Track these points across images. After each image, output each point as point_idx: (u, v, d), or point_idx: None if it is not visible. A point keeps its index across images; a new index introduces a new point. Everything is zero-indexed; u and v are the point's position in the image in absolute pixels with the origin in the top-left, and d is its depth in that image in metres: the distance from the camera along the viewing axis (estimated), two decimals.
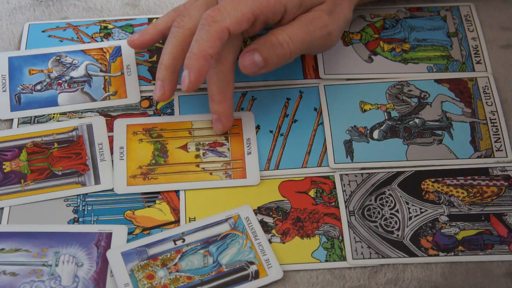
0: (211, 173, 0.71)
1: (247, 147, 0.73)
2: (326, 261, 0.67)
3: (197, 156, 0.72)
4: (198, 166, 0.72)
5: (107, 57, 0.79)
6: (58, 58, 0.79)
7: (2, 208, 0.69)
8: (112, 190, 0.71)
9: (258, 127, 0.74)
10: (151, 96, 0.77)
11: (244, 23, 0.67)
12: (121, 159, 0.72)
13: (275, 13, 0.69)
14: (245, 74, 0.69)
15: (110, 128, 0.74)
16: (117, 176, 0.71)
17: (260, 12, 0.68)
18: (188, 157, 0.72)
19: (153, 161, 0.72)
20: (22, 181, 0.71)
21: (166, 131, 0.74)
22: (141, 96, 0.77)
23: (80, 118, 0.75)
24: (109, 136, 0.74)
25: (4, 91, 0.77)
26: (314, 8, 0.71)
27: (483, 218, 0.69)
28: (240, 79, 0.76)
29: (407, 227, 0.68)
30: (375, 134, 0.74)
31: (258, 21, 0.68)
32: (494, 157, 0.72)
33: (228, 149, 0.73)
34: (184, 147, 0.73)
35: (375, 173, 0.71)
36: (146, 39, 0.75)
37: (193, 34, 0.68)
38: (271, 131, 0.74)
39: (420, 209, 0.69)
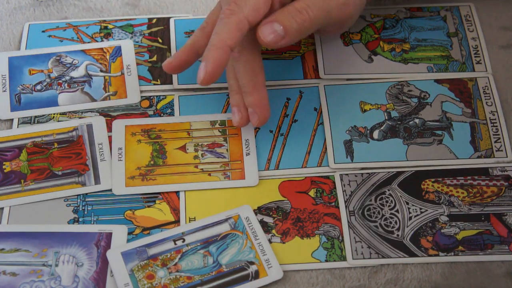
0: (209, 174, 0.71)
1: (246, 148, 0.72)
2: (326, 261, 0.67)
3: (195, 157, 0.72)
4: (196, 167, 0.72)
5: (107, 57, 0.79)
6: (58, 58, 0.79)
7: (2, 208, 0.69)
8: (112, 190, 0.71)
9: (258, 127, 0.74)
10: (151, 96, 0.77)
11: (262, 8, 0.66)
12: (120, 160, 0.72)
13: None
14: (266, 45, 0.67)
15: (110, 128, 0.74)
16: (115, 177, 0.71)
17: None
18: (187, 158, 0.72)
19: (152, 162, 0.72)
20: (22, 181, 0.71)
21: (164, 132, 0.74)
22: (141, 96, 0.77)
23: (80, 118, 0.75)
24: (109, 136, 0.74)
25: (4, 91, 0.77)
26: None
27: (483, 218, 0.69)
28: None
29: (407, 227, 0.68)
30: (375, 134, 0.74)
31: (276, 2, 0.68)
32: (494, 157, 0.72)
33: (227, 150, 0.73)
34: (183, 148, 0.73)
35: (375, 173, 0.71)
36: (182, 59, 0.73)
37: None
38: (271, 131, 0.74)
39: (420, 209, 0.69)
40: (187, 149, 0.73)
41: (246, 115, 0.71)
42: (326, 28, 0.73)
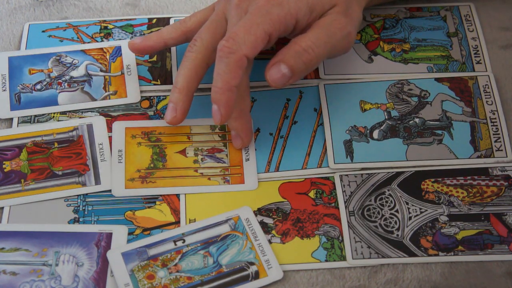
0: (209, 178, 0.71)
1: (245, 153, 0.73)
2: (326, 261, 0.67)
3: (195, 161, 0.72)
4: (196, 171, 0.72)
5: (107, 57, 0.79)
6: (58, 58, 0.79)
7: (2, 208, 0.69)
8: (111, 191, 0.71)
9: (258, 130, 0.74)
10: (151, 96, 0.77)
11: (260, 45, 0.67)
12: (120, 162, 0.72)
13: (287, 26, 0.69)
14: (274, 87, 0.69)
15: (110, 128, 0.74)
16: (115, 179, 0.71)
17: (273, 30, 0.67)
18: (187, 162, 0.72)
19: (152, 165, 0.72)
20: (22, 180, 0.71)
21: (164, 135, 0.74)
22: (141, 96, 0.77)
23: (80, 118, 0.75)
24: (109, 136, 0.74)
25: (4, 90, 0.77)
26: (327, 12, 0.71)
27: (483, 218, 0.69)
28: None
29: (407, 227, 0.68)
30: (375, 134, 0.74)
31: (272, 37, 0.68)
32: (494, 157, 0.72)
33: (227, 155, 0.73)
34: (183, 152, 0.73)
35: (375, 173, 0.71)
36: (148, 45, 0.75)
37: (206, 57, 0.70)
38: (271, 134, 0.74)
39: (420, 209, 0.69)
40: (187, 153, 0.73)
41: (180, 118, 0.72)
42: (329, 57, 0.74)
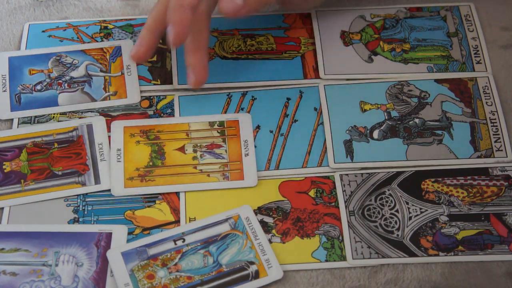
0: (208, 175, 0.71)
1: (245, 148, 0.72)
2: (326, 261, 0.67)
3: (194, 158, 0.72)
4: (195, 168, 0.72)
5: (107, 57, 0.79)
6: (58, 58, 0.79)
7: (2, 208, 0.69)
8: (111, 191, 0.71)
9: (258, 127, 0.74)
10: (151, 96, 0.77)
11: None
12: (118, 161, 0.72)
13: None
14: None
15: (110, 128, 0.74)
16: (114, 178, 0.71)
17: None
18: (186, 159, 0.72)
19: (151, 163, 0.72)
20: (22, 181, 0.71)
21: (163, 133, 0.74)
22: (141, 96, 0.77)
23: (80, 118, 0.75)
24: (109, 136, 0.74)
25: (4, 91, 0.77)
26: None
27: (483, 218, 0.69)
28: (240, 80, 0.77)
29: (407, 227, 0.68)
30: (375, 134, 0.74)
31: None
32: (494, 157, 0.72)
33: (226, 151, 0.73)
34: (182, 149, 0.73)
35: (375, 173, 0.71)
36: (151, 42, 0.73)
37: None
38: (271, 131, 0.74)
39: (420, 209, 0.69)
40: (186, 150, 0.73)
41: (143, 51, 0.72)
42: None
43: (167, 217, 0.69)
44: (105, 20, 0.82)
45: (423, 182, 0.71)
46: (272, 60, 0.79)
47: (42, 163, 0.72)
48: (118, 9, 0.83)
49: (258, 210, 0.69)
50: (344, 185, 0.71)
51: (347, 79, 0.77)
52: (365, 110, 0.75)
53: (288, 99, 0.76)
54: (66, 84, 0.77)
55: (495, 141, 0.73)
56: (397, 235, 0.68)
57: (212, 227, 0.68)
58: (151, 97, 0.77)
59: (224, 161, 0.72)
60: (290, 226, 0.69)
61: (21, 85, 0.77)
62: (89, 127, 0.74)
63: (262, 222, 0.69)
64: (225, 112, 0.75)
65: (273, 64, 0.78)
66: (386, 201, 0.70)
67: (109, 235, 0.68)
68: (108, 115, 0.75)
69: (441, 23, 0.81)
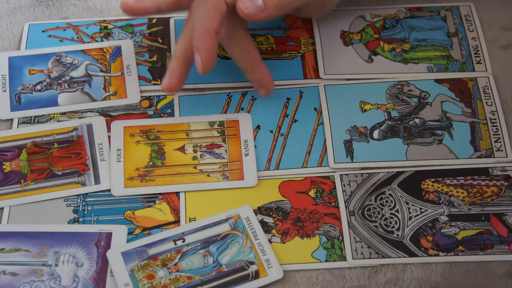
0: (208, 175, 0.71)
1: (245, 148, 0.72)
2: (326, 261, 0.67)
3: (194, 158, 0.72)
4: (195, 168, 0.72)
5: (107, 57, 0.79)
6: (58, 58, 0.79)
7: (2, 208, 0.69)
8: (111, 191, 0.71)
9: (258, 127, 0.74)
10: (151, 96, 0.77)
11: None
12: (118, 161, 0.72)
13: None
14: (245, 18, 0.68)
15: (110, 128, 0.74)
16: (114, 178, 0.71)
17: None
18: (186, 159, 0.72)
19: (151, 163, 0.72)
20: (22, 181, 0.71)
21: (163, 133, 0.74)
22: (141, 96, 0.77)
23: (80, 118, 0.75)
24: (109, 136, 0.74)
25: (4, 91, 0.77)
26: None
27: (483, 218, 0.69)
28: (240, 80, 0.77)
29: (407, 227, 0.68)
30: (375, 134, 0.74)
31: None
32: (494, 157, 0.72)
33: (226, 150, 0.73)
34: (182, 149, 0.73)
35: (375, 173, 0.71)
36: (142, 7, 0.74)
37: None
38: (271, 131, 0.74)
39: (420, 209, 0.69)
40: (186, 150, 0.73)
41: (175, 83, 0.71)
42: (306, 8, 0.73)
43: (167, 217, 0.69)
44: (105, 20, 0.82)
45: (423, 182, 0.71)
46: (272, 60, 0.79)
47: (42, 163, 0.72)
48: (118, 9, 0.83)
49: (258, 210, 0.69)
50: (344, 185, 0.71)
51: (347, 79, 0.77)
52: (365, 110, 0.75)
53: (288, 99, 0.76)
54: (66, 84, 0.77)
55: (495, 141, 0.73)
56: (397, 235, 0.68)
57: (212, 227, 0.68)
58: (151, 97, 0.77)
59: (224, 161, 0.72)
60: (290, 226, 0.69)
61: (21, 85, 0.77)
62: (89, 127, 0.74)
63: (262, 222, 0.69)
64: (225, 112, 0.75)
65: (273, 64, 0.78)
66: (386, 201, 0.70)
67: (109, 235, 0.68)
68: (108, 115, 0.75)
69: (441, 23, 0.81)
